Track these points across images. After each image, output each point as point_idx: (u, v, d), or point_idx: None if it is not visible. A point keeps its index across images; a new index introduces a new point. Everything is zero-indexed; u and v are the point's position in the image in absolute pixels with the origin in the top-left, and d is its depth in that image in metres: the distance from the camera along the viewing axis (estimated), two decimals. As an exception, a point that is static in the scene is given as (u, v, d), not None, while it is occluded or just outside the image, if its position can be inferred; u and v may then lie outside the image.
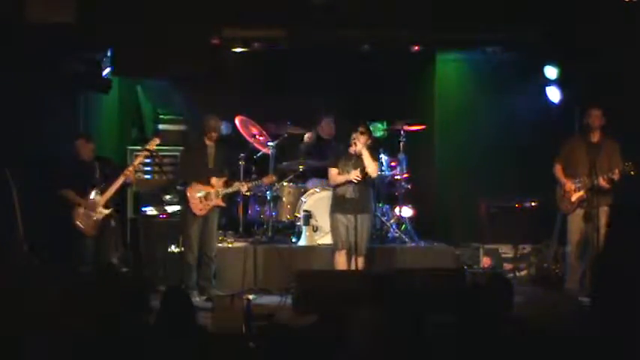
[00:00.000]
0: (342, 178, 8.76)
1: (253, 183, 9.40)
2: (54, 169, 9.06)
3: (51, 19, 8.44)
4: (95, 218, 8.75)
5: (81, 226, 8.73)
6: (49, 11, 8.44)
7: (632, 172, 8.70)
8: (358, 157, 8.74)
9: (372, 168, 8.70)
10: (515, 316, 5.27)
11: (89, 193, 8.77)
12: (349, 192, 8.68)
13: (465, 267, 10.05)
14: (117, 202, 9.14)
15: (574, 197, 8.96)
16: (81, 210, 8.75)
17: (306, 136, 10.47)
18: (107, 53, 9.12)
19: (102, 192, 8.79)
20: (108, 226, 8.89)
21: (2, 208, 8.50)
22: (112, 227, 9.00)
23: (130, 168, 8.95)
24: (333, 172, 8.90)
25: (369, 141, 8.78)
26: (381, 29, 9.79)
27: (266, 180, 9.42)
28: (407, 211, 10.37)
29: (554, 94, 10.35)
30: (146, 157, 9.24)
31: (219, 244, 9.48)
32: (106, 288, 6.09)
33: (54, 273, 7.01)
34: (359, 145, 8.65)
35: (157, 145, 9.27)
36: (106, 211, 8.79)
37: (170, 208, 9.75)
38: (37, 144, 9.41)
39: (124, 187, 9.14)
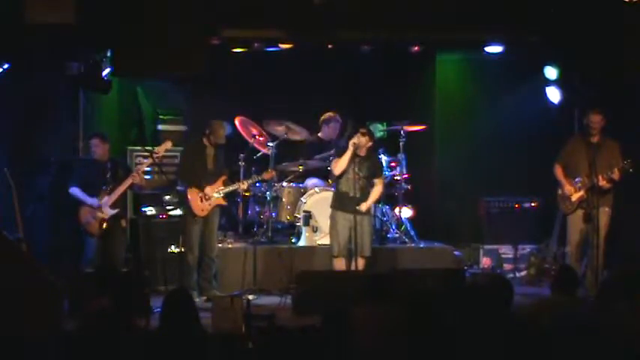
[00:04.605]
0: (344, 159, 8.70)
1: (253, 179, 9.41)
2: (65, 168, 9.11)
3: (51, 20, 8.44)
4: (101, 218, 8.75)
5: (87, 225, 8.75)
6: (49, 12, 8.43)
7: (631, 171, 8.72)
8: (360, 157, 8.74)
9: (376, 199, 9.04)
10: (515, 317, 5.27)
11: (99, 193, 8.78)
12: (352, 190, 8.69)
13: (465, 267, 10.05)
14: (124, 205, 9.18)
15: (574, 197, 8.95)
16: (87, 209, 8.77)
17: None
18: (107, 53, 9.11)
19: (110, 192, 8.80)
20: (117, 227, 8.90)
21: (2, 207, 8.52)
22: (121, 228, 9.00)
23: (140, 171, 8.98)
24: (335, 162, 8.90)
25: (370, 142, 8.79)
26: (380, 29, 9.78)
27: (266, 175, 9.44)
28: (407, 212, 10.37)
29: (554, 94, 10.35)
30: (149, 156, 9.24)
31: (219, 245, 9.48)
32: (107, 288, 6.09)
33: (55, 272, 7.00)
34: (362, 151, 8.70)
35: (156, 146, 9.30)
36: (112, 212, 8.80)
37: (172, 212, 9.72)
38: (37, 144, 9.43)
39: (136, 190, 9.19)
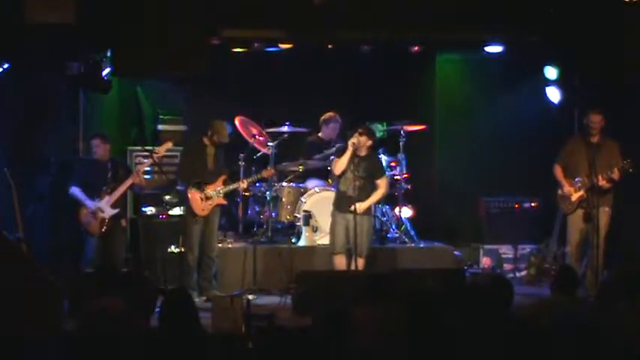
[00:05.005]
0: (344, 158, 8.71)
1: (252, 178, 9.41)
2: (65, 168, 9.12)
3: (51, 20, 8.44)
4: (101, 218, 8.76)
5: (87, 224, 8.76)
6: (49, 12, 8.43)
7: (631, 170, 8.72)
8: (359, 157, 8.75)
9: (376, 200, 9.02)
10: (515, 317, 5.27)
11: (99, 193, 8.79)
12: (350, 190, 8.69)
13: (465, 267, 10.05)
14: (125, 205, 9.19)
15: (574, 197, 8.96)
16: (87, 209, 8.77)
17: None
18: (107, 53, 9.12)
19: (110, 193, 8.81)
20: (117, 227, 8.90)
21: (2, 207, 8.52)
22: (122, 228, 9.01)
23: (141, 171, 8.99)
24: (335, 162, 8.92)
25: (370, 141, 8.79)
26: (380, 29, 9.79)
27: (265, 173, 9.44)
28: (407, 212, 10.37)
29: (554, 94, 10.35)
30: (149, 157, 9.24)
31: (219, 245, 9.48)
32: (107, 288, 6.09)
33: (55, 272, 7.00)
34: (362, 150, 8.70)
35: (155, 145, 9.30)
36: (113, 212, 8.80)
37: (172, 211, 9.72)
38: (37, 144, 9.43)
39: (136, 190, 9.20)
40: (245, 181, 9.38)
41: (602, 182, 8.76)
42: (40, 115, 9.38)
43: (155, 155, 9.03)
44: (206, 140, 9.12)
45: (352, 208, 8.59)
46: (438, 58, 11.23)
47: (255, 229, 10.17)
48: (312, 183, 10.20)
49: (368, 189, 8.81)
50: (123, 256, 9.07)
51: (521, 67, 10.61)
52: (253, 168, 9.82)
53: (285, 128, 10.21)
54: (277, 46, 10.30)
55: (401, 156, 10.25)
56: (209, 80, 10.08)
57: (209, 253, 9.10)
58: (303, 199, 9.89)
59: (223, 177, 9.15)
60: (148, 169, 9.46)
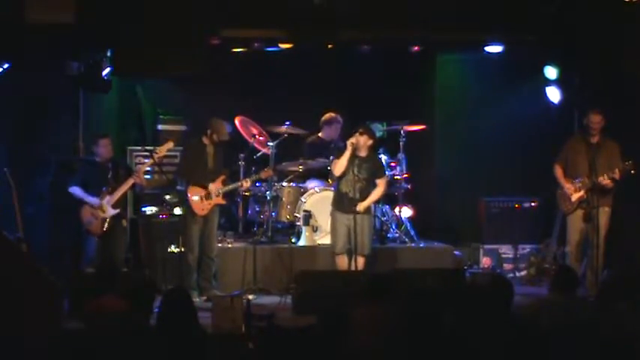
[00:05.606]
0: (343, 159, 8.70)
1: (251, 178, 9.41)
2: (65, 168, 9.12)
3: (51, 20, 8.44)
4: (102, 217, 8.76)
5: (88, 224, 8.76)
6: (49, 11, 8.44)
7: (632, 171, 8.72)
8: (360, 158, 8.75)
9: (376, 199, 9.00)
10: (515, 317, 5.27)
11: (101, 193, 8.79)
12: (351, 191, 8.69)
13: (465, 267, 10.05)
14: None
15: (574, 197, 8.96)
16: (89, 209, 8.77)
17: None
18: (107, 53, 9.12)
19: (111, 192, 8.81)
20: (118, 227, 8.90)
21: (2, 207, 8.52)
22: (122, 228, 9.01)
23: (141, 170, 8.99)
24: (334, 162, 8.92)
25: (370, 142, 8.79)
26: (381, 29, 9.79)
27: (263, 174, 9.43)
28: (407, 212, 10.37)
29: (554, 94, 10.35)
30: (149, 157, 9.23)
31: (219, 245, 9.48)
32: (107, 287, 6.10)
33: (55, 272, 7.01)
34: (362, 150, 8.70)
35: (156, 146, 9.30)
36: (114, 212, 8.80)
37: (172, 211, 9.71)
38: (37, 144, 9.43)
39: (137, 190, 9.20)
40: (248, 180, 9.37)
41: (606, 182, 8.74)
42: (40, 116, 9.38)
43: (156, 155, 9.03)
44: (205, 140, 9.12)
45: (355, 208, 8.60)
46: (438, 58, 11.22)
47: (255, 229, 10.17)
48: (312, 183, 10.20)
49: (369, 190, 8.81)
50: (123, 256, 9.06)
51: (521, 67, 10.61)
52: (253, 168, 9.81)
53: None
54: (277, 46, 10.30)
55: (401, 156, 10.25)
56: (209, 80, 10.08)
57: (209, 253, 9.10)
58: (303, 199, 9.89)
59: (223, 177, 9.16)
60: (148, 169, 9.46)
